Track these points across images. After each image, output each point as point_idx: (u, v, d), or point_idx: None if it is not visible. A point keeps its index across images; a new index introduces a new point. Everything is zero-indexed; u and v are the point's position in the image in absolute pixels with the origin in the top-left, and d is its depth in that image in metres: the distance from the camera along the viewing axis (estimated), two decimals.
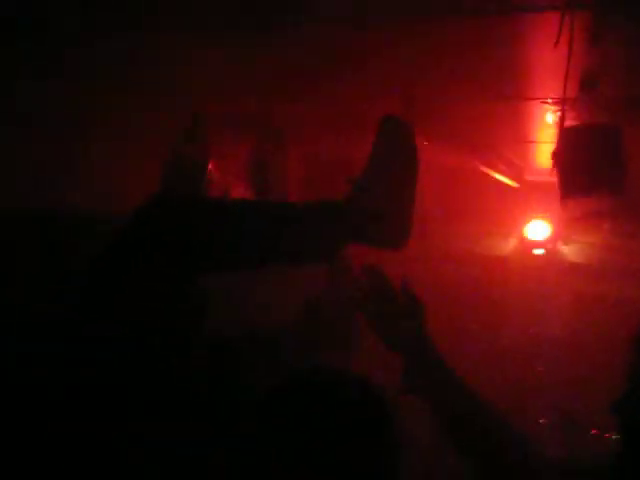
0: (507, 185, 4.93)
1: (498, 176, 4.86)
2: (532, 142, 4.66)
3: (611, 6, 2.85)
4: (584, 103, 3.18)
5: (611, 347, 4.93)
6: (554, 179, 3.29)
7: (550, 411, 4.83)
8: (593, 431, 4.68)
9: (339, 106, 4.12)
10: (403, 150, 2.52)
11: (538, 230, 5.25)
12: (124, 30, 3.42)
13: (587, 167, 3.12)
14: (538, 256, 5.34)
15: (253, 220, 2.06)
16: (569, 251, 5.37)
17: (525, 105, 4.09)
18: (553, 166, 2.88)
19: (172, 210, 1.98)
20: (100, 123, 4.13)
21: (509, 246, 5.46)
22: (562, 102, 2.92)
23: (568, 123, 3.35)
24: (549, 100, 3.71)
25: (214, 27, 3.40)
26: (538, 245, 5.30)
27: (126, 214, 4.11)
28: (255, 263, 2.16)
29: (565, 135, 3.08)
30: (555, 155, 2.87)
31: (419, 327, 2.14)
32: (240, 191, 4.58)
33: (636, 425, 1.41)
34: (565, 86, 2.75)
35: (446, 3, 2.94)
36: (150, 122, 4.12)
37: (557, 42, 2.67)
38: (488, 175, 4.88)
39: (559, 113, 3.06)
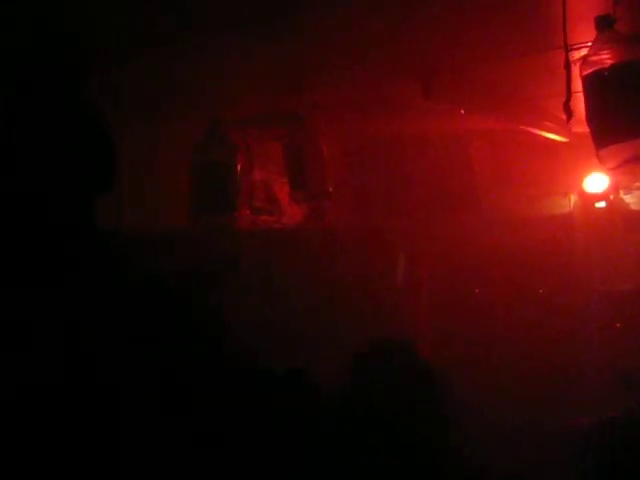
0: (556, 141, 4.73)
1: (545, 133, 4.68)
2: (574, 92, 4.46)
3: None
4: (604, 44, 3.00)
5: None
6: None
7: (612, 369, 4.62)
8: None
9: (363, 89, 4.05)
10: None
11: (597, 183, 5.02)
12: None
13: (616, 112, 2.94)
14: (601, 209, 5.12)
15: None
16: (632, 199, 5.13)
17: (557, 55, 3.92)
18: (567, 120, 2.73)
19: None
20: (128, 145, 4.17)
21: (570, 203, 5.25)
22: (565, 47, 2.76)
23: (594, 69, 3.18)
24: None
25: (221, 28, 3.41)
26: (599, 198, 5.07)
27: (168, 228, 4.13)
28: None
29: (586, 82, 2.92)
30: (566, 106, 2.72)
31: None
32: (281, 186, 4.56)
33: None
34: (564, 31, 2.61)
35: None
36: (178, 134, 4.15)
37: None
38: (534, 134, 4.70)
39: (574, 60, 2.89)
